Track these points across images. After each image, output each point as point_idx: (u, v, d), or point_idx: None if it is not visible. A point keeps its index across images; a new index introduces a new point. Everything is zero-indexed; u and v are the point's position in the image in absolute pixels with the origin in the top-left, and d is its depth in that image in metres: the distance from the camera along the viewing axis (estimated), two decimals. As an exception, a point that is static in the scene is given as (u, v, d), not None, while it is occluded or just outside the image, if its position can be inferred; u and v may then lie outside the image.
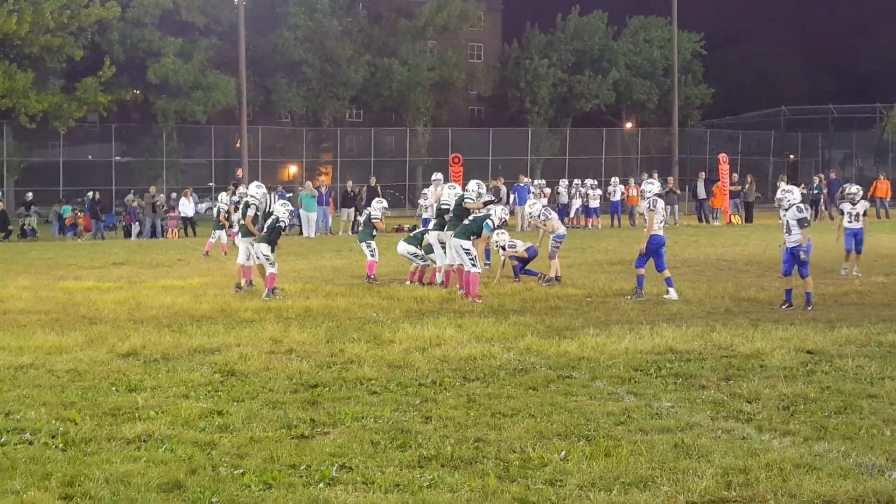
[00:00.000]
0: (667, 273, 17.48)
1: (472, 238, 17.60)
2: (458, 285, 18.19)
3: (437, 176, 23.14)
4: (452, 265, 18.41)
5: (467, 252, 17.41)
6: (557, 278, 19.60)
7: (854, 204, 20.85)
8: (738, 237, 33.40)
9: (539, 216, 20.50)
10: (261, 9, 60.72)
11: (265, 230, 18.33)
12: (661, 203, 17.93)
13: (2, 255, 29.55)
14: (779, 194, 16.77)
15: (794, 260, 16.04)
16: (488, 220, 17.85)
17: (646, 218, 17.68)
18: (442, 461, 7.58)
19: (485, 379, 10.56)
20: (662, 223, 17.80)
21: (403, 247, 19.97)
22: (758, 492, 6.75)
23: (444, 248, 19.02)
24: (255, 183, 21.10)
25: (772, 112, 74.71)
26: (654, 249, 17.39)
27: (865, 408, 9.03)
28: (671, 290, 17.31)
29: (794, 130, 72.65)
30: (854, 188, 21.52)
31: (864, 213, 21.00)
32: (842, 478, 6.98)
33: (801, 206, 16.29)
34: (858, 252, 20.76)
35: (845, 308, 15.91)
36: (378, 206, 20.83)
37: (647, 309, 15.96)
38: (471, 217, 17.96)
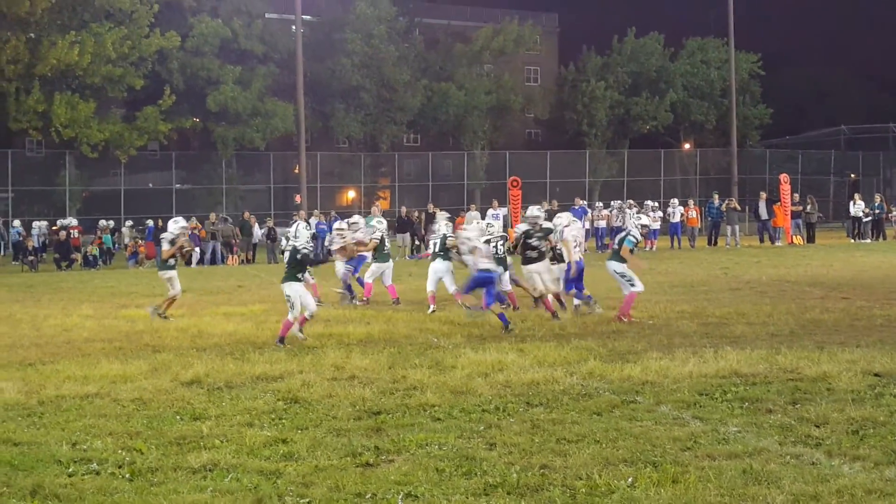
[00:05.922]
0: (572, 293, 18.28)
1: (623, 261, 17.30)
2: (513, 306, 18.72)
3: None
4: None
5: (622, 275, 17.17)
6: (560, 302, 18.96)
7: None
8: (800, 258, 33.03)
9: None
10: (318, 36, 61.29)
11: (287, 265, 16.37)
12: (570, 230, 18.45)
13: (65, 284, 29.90)
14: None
15: None
16: (630, 236, 17.44)
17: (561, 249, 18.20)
18: (508, 489, 7.53)
19: (548, 404, 10.50)
20: (577, 248, 18.47)
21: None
22: (830, 519, 6.65)
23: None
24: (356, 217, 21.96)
25: (831, 131, 73.94)
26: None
27: (937, 432, 8.87)
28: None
29: (855, 149, 71.80)
30: None
31: None
32: (916, 504, 6.86)
33: None
34: None
35: (913, 329, 15.63)
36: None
37: (709, 331, 15.81)
38: (618, 238, 18.04)
